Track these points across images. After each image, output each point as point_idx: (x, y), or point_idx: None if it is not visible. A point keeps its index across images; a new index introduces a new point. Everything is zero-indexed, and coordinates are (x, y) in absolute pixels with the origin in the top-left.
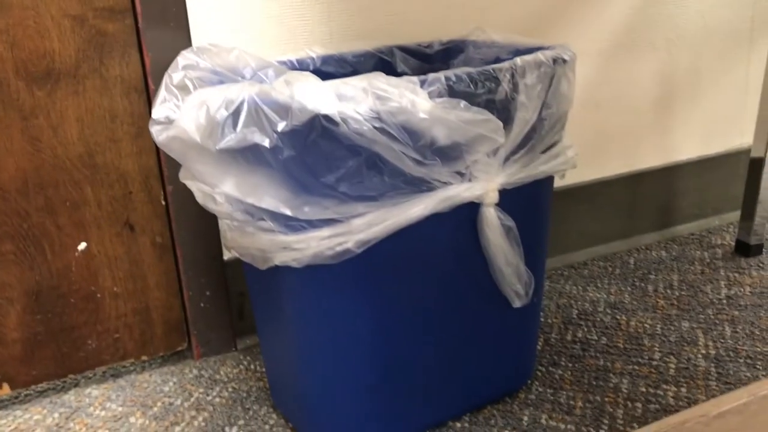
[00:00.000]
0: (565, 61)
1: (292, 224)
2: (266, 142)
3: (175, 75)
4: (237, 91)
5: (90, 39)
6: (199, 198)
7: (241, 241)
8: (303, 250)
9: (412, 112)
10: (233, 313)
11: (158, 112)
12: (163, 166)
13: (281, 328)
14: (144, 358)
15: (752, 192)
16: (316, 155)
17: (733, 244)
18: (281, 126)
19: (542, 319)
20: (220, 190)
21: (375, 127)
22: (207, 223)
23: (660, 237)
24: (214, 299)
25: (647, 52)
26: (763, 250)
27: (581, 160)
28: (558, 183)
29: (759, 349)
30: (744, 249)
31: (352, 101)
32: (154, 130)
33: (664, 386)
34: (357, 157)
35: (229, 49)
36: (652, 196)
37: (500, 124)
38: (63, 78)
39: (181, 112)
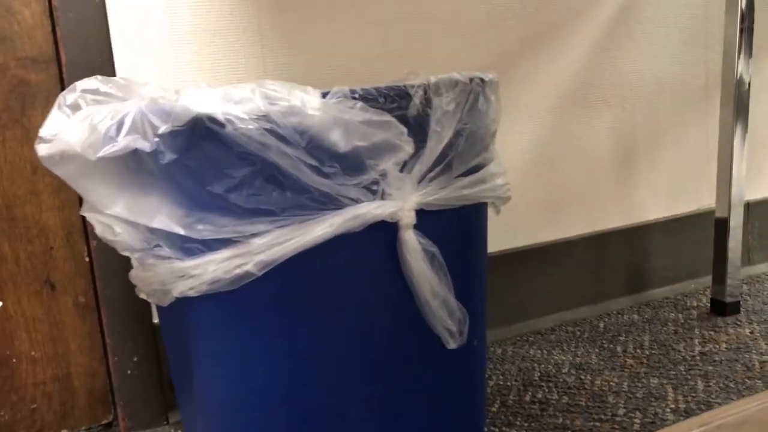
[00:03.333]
0: (483, 80)
1: (188, 247)
2: (146, 147)
3: (69, 96)
4: (125, 105)
5: (11, 89)
6: (99, 230)
7: (143, 275)
8: (200, 276)
9: (304, 112)
10: (164, 381)
11: (46, 130)
12: (87, 221)
13: (190, 376)
14: (64, 431)
15: (721, 254)
16: (201, 160)
17: (709, 305)
18: (162, 128)
19: (500, 382)
20: (111, 212)
21: (265, 129)
22: None
23: (632, 301)
24: (143, 366)
25: (601, 109)
26: (741, 308)
27: (540, 219)
28: (518, 243)
29: (734, 400)
30: (720, 308)
31: (240, 102)
32: (39, 148)
33: None
34: (250, 166)
35: (142, 83)
36: (620, 259)
37: (403, 129)
38: None
39: (66, 127)
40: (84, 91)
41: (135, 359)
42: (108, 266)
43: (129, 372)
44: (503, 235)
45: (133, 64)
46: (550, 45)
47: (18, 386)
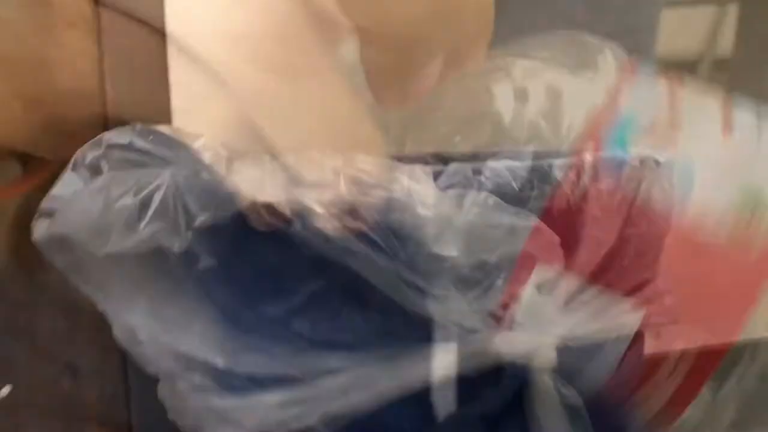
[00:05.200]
0: (658, 163)
1: (228, 380)
2: (175, 245)
3: (90, 153)
4: (159, 174)
5: (44, 127)
6: (118, 335)
7: (173, 402)
8: (242, 423)
9: (411, 208)
10: None
11: (49, 200)
12: None
13: None
14: None
15: None
16: (252, 269)
17: None
18: (200, 220)
19: None
20: (124, 321)
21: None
22: None
23: None
24: None
25: None
26: None
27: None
28: None
29: None
30: None
31: (314, 187)
32: (38, 225)
33: None
34: (324, 279)
35: (194, 136)
36: None
37: (555, 237)
38: None
39: (70, 200)
40: (111, 146)
41: None
42: None
43: None
44: None
45: (190, 110)
46: None
47: None
